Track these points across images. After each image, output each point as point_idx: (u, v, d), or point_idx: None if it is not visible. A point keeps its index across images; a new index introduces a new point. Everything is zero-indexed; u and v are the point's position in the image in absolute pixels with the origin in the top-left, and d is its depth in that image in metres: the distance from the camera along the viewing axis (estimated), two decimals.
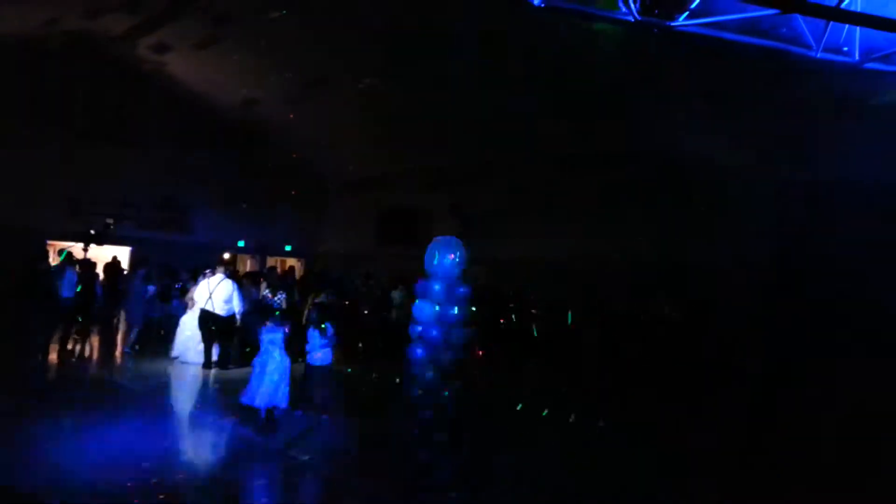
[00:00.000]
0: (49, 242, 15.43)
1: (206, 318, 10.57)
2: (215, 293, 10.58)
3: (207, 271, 11.33)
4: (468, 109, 14.36)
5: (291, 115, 15.61)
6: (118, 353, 11.67)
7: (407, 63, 13.42)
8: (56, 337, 10.99)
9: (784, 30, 7.52)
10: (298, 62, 14.78)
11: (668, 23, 7.00)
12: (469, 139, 15.77)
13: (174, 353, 11.10)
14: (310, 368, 7.88)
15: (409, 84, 14.36)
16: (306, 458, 6.46)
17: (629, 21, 7.03)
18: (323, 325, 7.91)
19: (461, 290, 6.26)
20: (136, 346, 11.57)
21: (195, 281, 11.62)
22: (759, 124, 11.43)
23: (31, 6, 13.31)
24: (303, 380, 7.96)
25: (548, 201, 16.03)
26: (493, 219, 16.14)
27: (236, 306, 10.76)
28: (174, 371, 10.66)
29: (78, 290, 11.50)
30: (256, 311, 10.23)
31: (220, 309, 10.56)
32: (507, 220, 16.27)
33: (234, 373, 10.25)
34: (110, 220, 15.31)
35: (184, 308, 11.49)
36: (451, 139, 16.09)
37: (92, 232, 14.03)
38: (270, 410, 7.15)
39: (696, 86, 11.13)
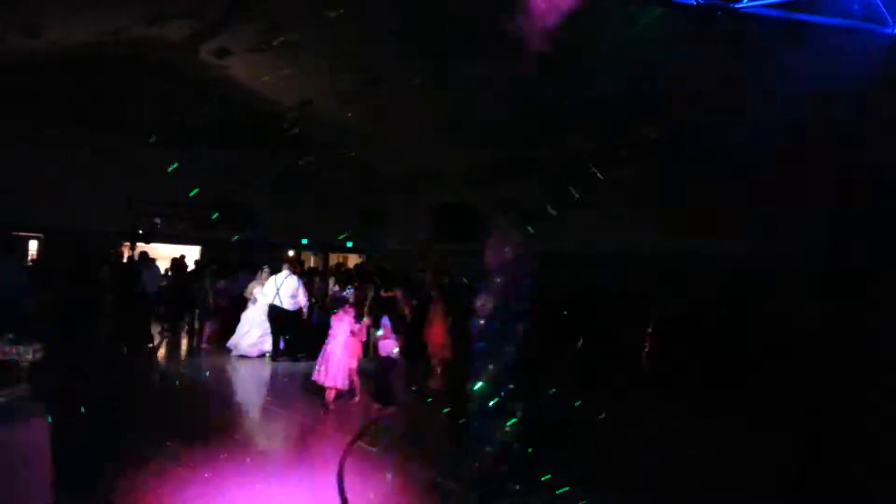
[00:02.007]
0: (123, 243, 16.13)
1: (274, 313, 10.99)
2: (282, 289, 11.00)
3: (265, 267, 11.74)
4: (521, 103, 14.25)
5: (349, 115, 15.83)
6: (193, 347, 12.13)
7: (458, 60, 13.43)
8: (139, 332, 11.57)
9: (856, 6, 7.19)
10: (354, 62, 14.97)
11: (732, 5, 6.79)
12: (523, 133, 15.67)
13: (229, 345, 11.52)
14: (378, 359, 8.28)
15: (462, 80, 14.35)
16: (374, 449, 6.61)
17: (691, 4, 6.85)
18: (382, 317, 8.30)
19: (523, 282, 6.22)
20: (209, 342, 12.06)
21: (254, 278, 12.07)
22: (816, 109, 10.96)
23: (96, 16, 13.88)
24: (372, 370, 8.53)
25: (601, 194, 15.81)
26: (547, 212, 15.99)
27: (302, 301, 11.18)
28: (242, 363, 11.07)
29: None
30: (332, 302, 10.72)
31: (286, 304, 10.98)
32: (561, 214, 16.09)
33: (302, 364, 10.75)
34: (157, 220, 15.96)
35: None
36: (506, 134, 16.02)
37: (140, 231, 14.67)
38: (335, 390, 8.00)
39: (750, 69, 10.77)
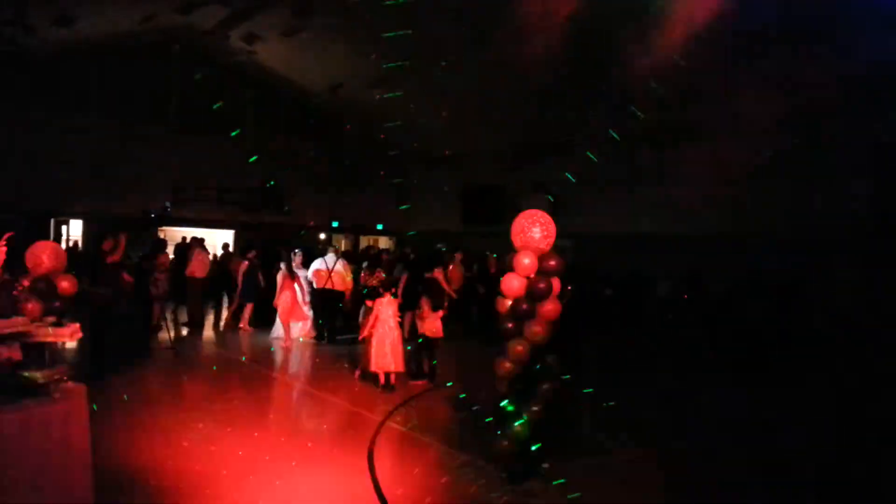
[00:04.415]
0: (160, 228, 16.47)
1: (328, 297, 11.13)
2: (333, 273, 11.14)
3: (297, 250, 11.83)
4: (549, 84, 14.11)
5: (377, 97, 15.82)
6: (235, 328, 12.36)
7: (486, 41, 13.33)
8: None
9: None
10: (381, 45, 14.95)
11: None
12: (551, 114, 15.54)
13: (273, 331, 11.64)
14: (424, 339, 8.40)
15: (490, 62, 14.26)
16: (405, 428, 6.70)
17: None
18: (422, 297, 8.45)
19: (551, 263, 6.17)
20: (249, 323, 12.24)
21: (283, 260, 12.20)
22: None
23: (129, 5, 14.10)
24: (417, 350, 8.72)
25: (633, 175, 15.65)
26: (578, 194, 15.90)
27: (350, 284, 11.37)
28: (293, 346, 11.15)
29: None
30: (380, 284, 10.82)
31: (339, 287, 11.14)
32: (591, 195, 15.99)
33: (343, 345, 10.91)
34: (168, 204, 16.20)
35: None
36: (534, 115, 15.89)
37: (153, 215, 14.92)
38: (388, 374, 8.10)
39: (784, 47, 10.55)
